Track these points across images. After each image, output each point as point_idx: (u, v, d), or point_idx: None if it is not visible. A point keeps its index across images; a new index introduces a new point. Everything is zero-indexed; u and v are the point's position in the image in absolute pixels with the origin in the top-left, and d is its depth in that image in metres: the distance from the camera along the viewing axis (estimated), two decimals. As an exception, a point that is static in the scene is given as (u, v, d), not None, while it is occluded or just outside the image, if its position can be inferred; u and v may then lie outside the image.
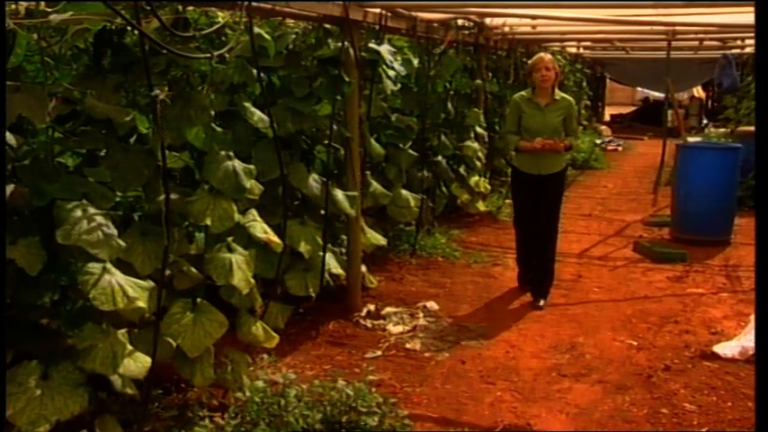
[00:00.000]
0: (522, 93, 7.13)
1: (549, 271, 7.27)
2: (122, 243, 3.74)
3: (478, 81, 10.85)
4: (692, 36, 12.56)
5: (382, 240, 7.41)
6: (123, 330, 3.97)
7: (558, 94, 7.01)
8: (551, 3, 8.24)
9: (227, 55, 4.74)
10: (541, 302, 7.08)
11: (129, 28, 4.28)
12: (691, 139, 13.67)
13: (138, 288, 3.76)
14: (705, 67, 19.47)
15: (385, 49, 6.89)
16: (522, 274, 7.51)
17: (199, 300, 4.42)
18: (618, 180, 15.31)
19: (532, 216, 7.14)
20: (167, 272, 4.21)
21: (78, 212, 3.61)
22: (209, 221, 4.43)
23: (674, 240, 9.61)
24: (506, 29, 11.21)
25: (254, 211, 5.05)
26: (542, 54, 7.02)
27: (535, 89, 6.96)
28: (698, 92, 27.46)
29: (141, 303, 3.73)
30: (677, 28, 10.89)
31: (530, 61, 7.18)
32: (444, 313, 6.80)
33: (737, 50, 15.19)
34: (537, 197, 7.04)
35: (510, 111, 7.18)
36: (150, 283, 3.93)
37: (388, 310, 6.75)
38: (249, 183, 4.68)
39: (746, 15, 8.39)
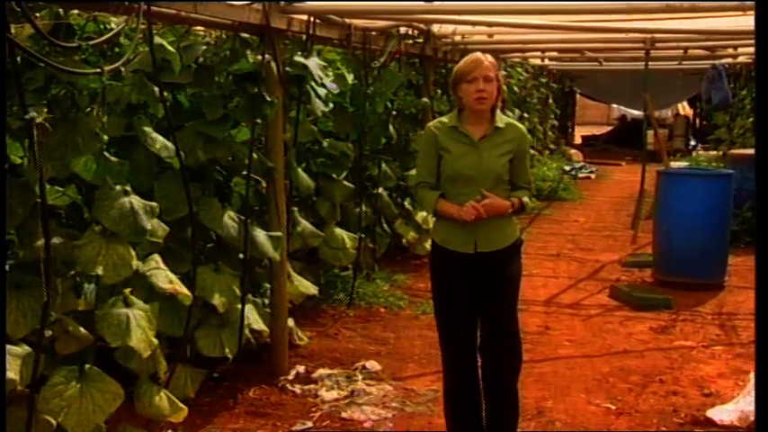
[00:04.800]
0: (443, 119, 5.11)
1: (512, 404, 5.18)
2: (-11, 299, 3.66)
3: (425, 99, 10.86)
4: (675, 44, 12.76)
5: (313, 289, 7.38)
6: (-13, 409, 3.87)
7: (502, 119, 4.96)
8: (510, 5, 8.27)
9: (122, 69, 4.71)
10: None
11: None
12: (675, 164, 13.93)
13: (8, 355, 3.67)
14: (691, 80, 19.91)
15: (314, 63, 6.91)
16: (458, 417, 5.16)
17: (87, 366, 4.34)
18: (591, 213, 15.51)
19: (469, 324, 5.00)
20: (48, 333, 4.13)
21: (-67, 262, 3.52)
22: (100, 270, 4.37)
23: (658, 284, 9.70)
24: (458, 38, 11.28)
25: (157, 257, 5.02)
26: (478, 55, 4.87)
27: (463, 112, 4.95)
28: (684, 109, 28.11)
29: (11, 374, 3.67)
30: (657, 35, 11.03)
31: (456, 67, 4.98)
32: (387, 375, 6.76)
33: (729, 60, 15.50)
34: (475, 292, 4.95)
35: (422, 148, 5.18)
36: (25, 348, 3.88)
37: (321, 372, 6.70)
38: (151, 223, 4.68)
39: (737, 20, 8.52)
